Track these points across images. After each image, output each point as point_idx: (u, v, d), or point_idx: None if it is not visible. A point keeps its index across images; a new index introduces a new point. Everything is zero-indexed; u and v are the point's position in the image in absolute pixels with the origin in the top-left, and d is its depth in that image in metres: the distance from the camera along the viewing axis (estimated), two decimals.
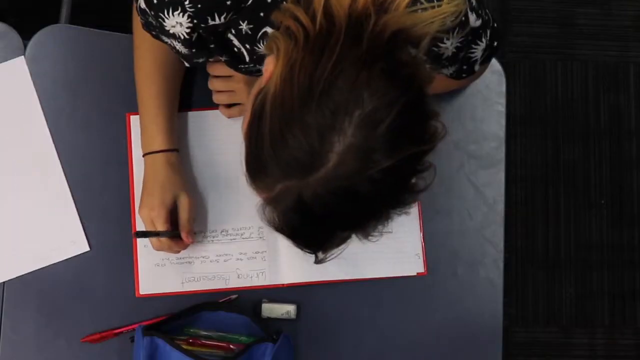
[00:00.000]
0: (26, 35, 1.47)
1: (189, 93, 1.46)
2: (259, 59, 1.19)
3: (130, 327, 1.42)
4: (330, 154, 0.89)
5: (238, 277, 1.45)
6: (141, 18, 1.20)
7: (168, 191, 1.36)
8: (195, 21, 1.13)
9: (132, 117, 1.45)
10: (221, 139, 1.46)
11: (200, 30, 1.16)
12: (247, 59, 1.22)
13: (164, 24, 1.14)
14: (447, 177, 1.50)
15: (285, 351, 1.39)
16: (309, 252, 1.00)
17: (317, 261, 1.02)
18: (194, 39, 1.18)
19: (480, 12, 1.18)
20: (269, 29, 1.12)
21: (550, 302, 2.34)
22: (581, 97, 2.39)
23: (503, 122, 1.52)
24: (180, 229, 1.37)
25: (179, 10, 1.11)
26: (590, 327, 2.34)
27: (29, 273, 1.43)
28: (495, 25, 1.24)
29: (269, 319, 1.44)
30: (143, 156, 1.38)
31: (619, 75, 2.40)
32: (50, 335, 1.42)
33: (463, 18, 1.13)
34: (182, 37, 1.17)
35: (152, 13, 1.15)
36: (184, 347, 1.36)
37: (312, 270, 1.44)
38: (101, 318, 1.43)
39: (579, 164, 2.37)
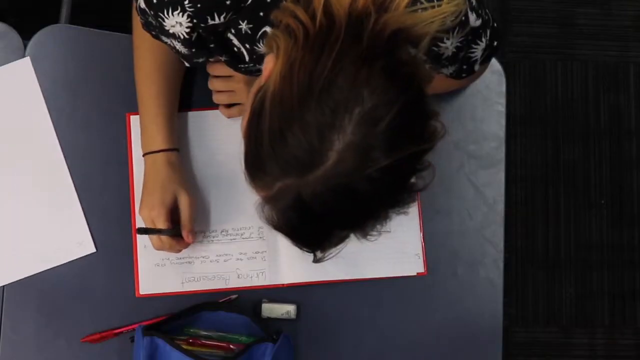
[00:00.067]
0: (26, 35, 1.47)
1: (189, 93, 1.46)
2: (259, 59, 1.19)
3: (130, 327, 1.42)
4: (330, 152, 0.89)
5: (238, 277, 1.45)
6: (141, 18, 1.20)
7: (168, 190, 1.36)
8: (194, 21, 1.13)
9: (132, 117, 1.45)
10: (221, 139, 1.46)
11: (200, 30, 1.16)
12: (247, 58, 1.22)
13: (164, 23, 1.14)
14: (447, 177, 1.50)
15: (285, 351, 1.39)
16: (307, 251, 1.00)
17: (316, 260, 1.02)
18: (193, 38, 1.18)
19: (480, 11, 1.18)
20: (268, 29, 1.12)
21: (550, 302, 2.34)
22: (581, 97, 2.39)
23: (503, 122, 1.52)
24: (181, 228, 1.37)
25: (179, 10, 1.11)
26: (590, 327, 2.34)
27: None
28: (495, 25, 1.25)
29: (269, 319, 1.44)
30: (143, 156, 1.38)
31: (619, 75, 2.40)
32: (50, 335, 1.42)
33: (463, 18, 1.13)
34: (182, 37, 1.17)
35: (152, 13, 1.15)
36: (184, 347, 1.36)
37: (312, 270, 1.44)
38: (101, 318, 1.43)
39: (579, 164, 2.37)
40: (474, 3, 1.16)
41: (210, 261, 1.45)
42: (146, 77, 1.37)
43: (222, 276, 1.45)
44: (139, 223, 1.42)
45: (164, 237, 1.36)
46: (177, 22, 1.13)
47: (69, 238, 1.43)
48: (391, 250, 1.47)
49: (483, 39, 1.22)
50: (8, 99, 1.45)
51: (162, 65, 1.36)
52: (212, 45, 1.21)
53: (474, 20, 1.17)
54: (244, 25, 1.15)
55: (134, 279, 1.44)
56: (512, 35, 2.38)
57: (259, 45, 1.17)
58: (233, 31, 1.17)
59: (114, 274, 1.44)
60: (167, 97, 1.38)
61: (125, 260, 1.44)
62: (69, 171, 1.44)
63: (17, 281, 1.43)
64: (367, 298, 1.47)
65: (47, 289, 1.43)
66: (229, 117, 1.45)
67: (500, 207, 1.51)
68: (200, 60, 1.28)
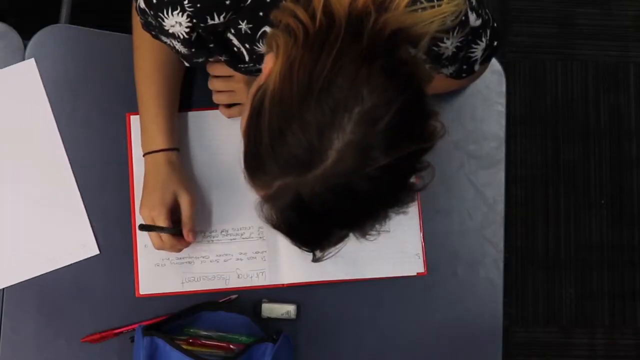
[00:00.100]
0: (26, 35, 1.47)
1: (189, 93, 1.46)
2: (259, 59, 1.19)
3: (130, 327, 1.42)
4: (329, 151, 0.89)
5: (238, 277, 1.45)
6: (141, 18, 1.20)
7: (168, 190, 1.36)
8: (194, 21, 1.13)
9: (132, 117, 1.45)
10: (221, 139, 1.46)
11: (200, 30, 1.16)
12: (247, 58, 1.22)
13: (163, 23, 1.14)
14: (447, 177, 1.50)
15: (285, 351, 1.39)
16: (306, 250, 1.00)
17: (315, 259, 1.02)
18: (193, 38, 1.18)
19: (480, 11, 1.18)
20: (268, 28, 1.12)
21: (550, 302, 2.34)
22: (581, 97, 2.39)
23: (503, 122, 1.52)
24: (182, 227, 1.37)
25: (178, 10, 1.11)
26: (590, 327, 2.34)
27: None
28: (495, 25, 1.25)
29: (269, 319, 1.44)
30: (144, 156, 1.38)
31: (619, 75, 2.40)
32: (50, 335, 1.42)
33: (463, 18, 1.13)
34: (182, 37, 1.17)
35: (152, 13, 1.15)
36: (184, 347, 1.36)
37: (312, 270, 1.44)
38: (101, 318, 1.43)
39: (579, 164, 2.37)
40: (474, 3, 1.16)
41: (210, 261, 1.45)
42: (146, 77, 1.37)
43: (222, 276, 1.45)
44: (140, 223, 1.42)
45: (164, 237, 1.36)
46: (176, 22, 1.13)
47: (72, 240, 1.43)
48: (391, 250, 1.47)
49: (483, 39, 1.22)
50: (13, 100, 1.45)
51: (162, 65, 1.36)
52: (211, 45, 1.21)
53: (474, 20, 1.17)
54: (243, 25, 1.15)
55: (134, 279, 1.44)
56: (512, 35, 2.38)
57: (259, 45, 1.17)
58: (233, 31, 1.17)
59: (114, 274, 1.44)
60: (167, 97, 1.38)
61: (125, 260, 1.44)
62: (73, 173, 1.44)
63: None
64: (367, 298, 1.47)
65: (47, 289, 1.43)
66: (229, 117, 1.44)
67: (500, 207, 1.51)
68: (200, 60, 1.28)
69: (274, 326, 1.42)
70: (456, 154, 1.50)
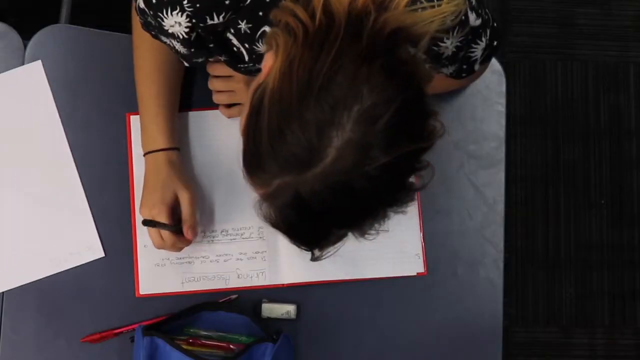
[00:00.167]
0: (26, 35, 1.47)
1: (189, 93, 1.46)
2: (258, 58, 1.19)
3: (130, 327, 1.42)
4: (329, 149, 0.89)
5: (238, 277, 1.45)
6: (140, 18, 1.20)
7: (169, 189, 1.36)
8: (193, 21, 1.13)
9: (132, 117, 1.45)
10: (221, 139, 1.46)
11: (199, 30, 1.16)
12: (247, 58, 1.22)
13: (163, 23, 1.14)
14: (447, 177, 1.50)
15: (285, 351, 1.39)
16: (305, 249, 1.00)
17: (314, 258, 1.02)
18: (192, 38, 1.18)
19: (480, 11, 1.18)
20: (267, 28, 1.12)
21: (550, 302, 2.34)
22: (581, 97, 2.39)
23: (503, 122, 1.52)
24: (182, 224, 1.37)
25: (178, 10, 1.11)
26: (590, 327, 2.34)
27: None
28: (495, 24, 1.25)
29: (269, 319, 1.44)
30: (144, 155, 1.38)
31: (619, 75, 2.40)
32: (50, 335, 1.42)
33: (463, 17, 1.13)
34: (181, 37, 1.17)
35: (151, 13, 1.15)
36: (184, 347, 1.36)
37: (312, 270, 1.44)
38: (101, 318, 1.43)
39: (579, 164, 2.37)
40: (474, 3, 1.17)
41: (210, 261, 1.45)
42: (146, 77, 1.37)
43: (222, 276, 1.45)
44: (140, 223, 1.42)
45: (165, 235, 1.35)
46: (176, 22, 1.13)
47: (78, 243, 1.43)
48: (391, 250, 1.47)
49: (483, 39, 1.22)
50: (19, 101, 1.45)
51: (162, 65, 1.36)
52: (211, 45, 1.21)
53: (473, 20, 1.17)
54: (243, 25, 1.15)
55: (134, 279, 1.44)
56: (512, 35, 2.38)
57: (258, 45, 1.17)
58: (232, 31, 1.17)
59: (114, 274, 1.44)
60: (168, 96, 1.38)
61: (125, 260, 1.44)
62: (79, 175, 1.44)
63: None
64: (367, 298, 1.47)
65: (47, 289, 1.43)
66: (229, 117, 1.44)
67: (500, 207, 1.51)
68: (200, 60, 1.28)
69: (274, 326, 1.42)
70: (456, 154, 1.50)
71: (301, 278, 1.45)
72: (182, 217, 1.37)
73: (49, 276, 1.43)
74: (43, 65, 1.45)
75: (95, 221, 1.44)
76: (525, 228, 2.35)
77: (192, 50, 1.21)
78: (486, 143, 1.51)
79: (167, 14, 1.13)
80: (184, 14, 1.12)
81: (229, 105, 1.44)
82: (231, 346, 1.40)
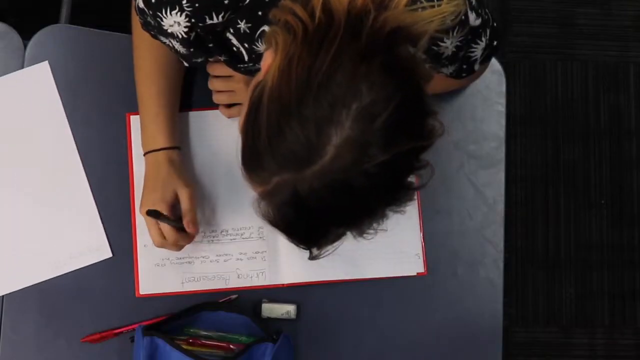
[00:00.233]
0: (26, 35, 1.47)
1: (189, 93, 1.46)
2: (258, 58, 1.19)
3: (130, 327, 1.42)
4: (328, 146, 0.89)
5: (238, 277, 1.45)
6: (140, 18, 1.20)
7: (169, 187, 1.36)
8: (193, 20, 1.13)
9: (132, 117, 1.45)
10: (221, 139, 1.46)
11: (199, 30, 1.16)
12: (246, 58, 1.22)
13: (162, 23, 1.15)
14: (447, 177, 1.50)
15: (285, 351, 1.39)
16: (303, 248, 1.00)
17: (312, 257, 1.02)
18: (192, 38, 1.18)
19: (480, 11, 1.18)
20: (267, 28, 1.12)
21: (550, 302, 2.34)
22: (581, 97, 2.39)
23: (503, 122, 1.52)
24: (182, 218, 1.36)
25: (177, 10, 1.11)
26: (590, 327, 2.34)
27: None
28: (495, 24, 1.25)
29: (269, 319, 1.44)
30: (144, 155, 1.38)
31: (619, 75, 2.40)
32: (50, 335, 1.42)
33: (463, 17, 1.13)
34: (180, 37, 1.17)
35: (150, 12, 1.15)
36: (184, 347, 1.36)
37: (312, 270, 1.44)
38: (101, 318, 1.43)
39: (579, 164, 2.37)
40: (474, 2, 1.17)
41: (210, 261, 1.45)
42: (146, 77, 1.37)
43: (222, 276, 1.45)
44: (139, 223, 1.42)
45: (167, 232, 1.35)
46: (175, 22, 1.13)
47: (86, 243, 1.43)
48: (391, 250, 1.47)
49: (483, 39, 1.22)
50: (26, 102, 1.45)
51: (162, 65, 1.36)
52: (210, 45, 1.21)
53: (473, 20, 1.17)
54: (242, 25, 1.15)
55: (134, 279, 1.44)
56: (512, 35, 2.38)
57: (258, 45, 1.17)
58: (232, 30, 1.17)
59: (114, 274, 1.44)
60: (168, 96, 1.38)
61: (125, 260, 1.44)
62: (87, 177, 1.44)
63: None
64: (367, 298, 1.47)
65: (47, 290, 1.43)
66: (229, 117, 1.45)
67: (500, 207, 1.51)
68: (199, 60, 1.28)
69: (274, 326, 1.42)
70: (456, 154, 1.50)
71: (301, 278, 1.45)
72: (182, 211, 1.36)
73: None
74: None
75: (102, 222, 1.44)
76: (525, 228, 2.35)
77: (192, 50, 1.21)
78: (486, 143, 1.51)
79: (166, 13, 1.13)
80: (183, 14, 1.12)
81: (229, 105, 1.44)
82: (231, 346, 1.40)
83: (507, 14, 2.39)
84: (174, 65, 1.37)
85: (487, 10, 1.22)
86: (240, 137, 0.96)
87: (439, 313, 1.48)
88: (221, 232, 1.45)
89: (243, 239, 1.46)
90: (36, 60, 1.46)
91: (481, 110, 1.52)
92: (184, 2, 1.10)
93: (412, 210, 1.47)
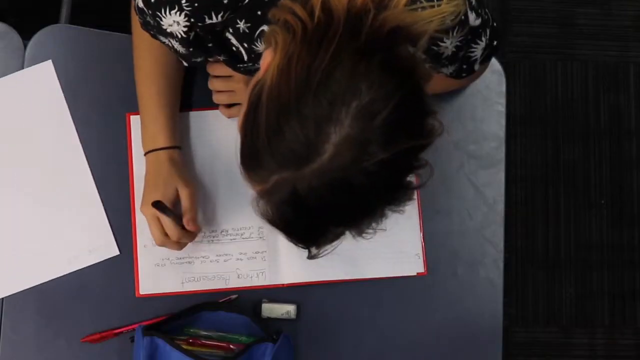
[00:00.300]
0: (26, 35, 1.47)
1: (189, 93, 1.46)
2: (257, 58, 1.19)
3: (130, 327, 1.42)
4: (326, 145, 0.89)
5: (238, 277, 1.45)
6: (139, 17, 1.20)
7: (170, 186, 1.36)
8: (192, 20, 1.13)
9: (132, 117, 1.45)
10: (222, 139, 1.46)
11: (198, 29, 1.16)
12: (246, 57, 1.22)
13: (161, 22, 1.15)
14: (447, 177, 1.50)
15: (285, 351, 1.39)
16: (302, 247, 1.00)
17: (310, 256, 1.02)
18: (191, 38, 1.18)
19: (479, 11, 1.18)
20: (266, 28, 1.12)
21: (550, 302, 2.34)
22: (581, 97, 2.39)
23: (503, 122, 1.52)
24: (183, 216, 1.36)
25: (176, 9, 1.11)
26: (590, 327, 2.34)
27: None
28: (495, 24, 1.25)
29: (269, 319, 1.44)
30: (145, 154, 1.38)
31: (619, 75, 2.40)
32: (50, 335, 1.42)
33: (462, 17, 1.13)
34: (180, 36, 1.17)
35: (150, 12, 1.15)
36: (184, 347, 1.36)
37: (312, 270, 1.44)
38: (101, 318, 1.43)
39: (579, 164, 2.37)
40: (474, 2, 1.17)
41: (210, 261, 1.45)
42: (146, 76, 1.37)
43: (222, 276, 1.45)
44: (139, 223, 1.42)
45: (170, 229, 1.34)
46: (174, 21, 1.13)
47: (92, 240, 1.43)
48: (391, 250, 1.47)
49: (483, 39, 1.22)
50: (30, 102, 1.45)
51: (162, 64, 1.36)
52: (210, 45, 1.21)
53: (473, 20, 1.17)
54: (241, 25, 1.15)
55: (134, 279, 1.44)
56: (512, 35, 2.38)
57: (257, 44, 1.17)
58: (231, 30, 1.17)
59: (114, 274, 1.44)
60: (168, 96, 1.38)
61: (125, 260, 1.44)
62: (92, 175, 1.44)
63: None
64: (367, 298, 1.47)
65: (47, 290, 1.43)
66: (229, 117, 1.45)
67: (500, 207, 1.51)
68: (199, 59, 1.28)
69: (274, 326, 1.42)
70: (456, 154, 1.50)
71: (301, 278, 1.45)
72: (183, 210, 1.36)
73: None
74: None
75: (108, 219, 1.44)
76: (525, 228, 2.35)
77: (191, 49, 1.21)
78: (486, 143, 1.51)
79: (165, 13, 1.13)
80: (182, 13, 1.12)
81: (229, 105, 1.44)
82: (231, 346, 1.40)
83: (507, 14, 2.39)
84: (173, 65, 1.37)
85: (487, 10, 1.22)
86: (239, 136, 0.96)
87: (439, 313, 1.48)
88: (221, 232, 1.46)
89: (243, 239, 1.46)
90: (36, 60, 1.46)
91: (481, 110, 1.52)
92: (183, 1, 1.10)
93: (412, 210, 1.47)
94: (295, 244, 0.99)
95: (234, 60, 1.24)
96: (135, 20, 1.31)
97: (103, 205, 1.44)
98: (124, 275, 1.44)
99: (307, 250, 1.01)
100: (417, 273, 1.48)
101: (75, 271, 1.43)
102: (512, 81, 2.35)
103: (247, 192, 0.98)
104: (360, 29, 0.91)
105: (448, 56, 1.21)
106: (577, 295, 2.34)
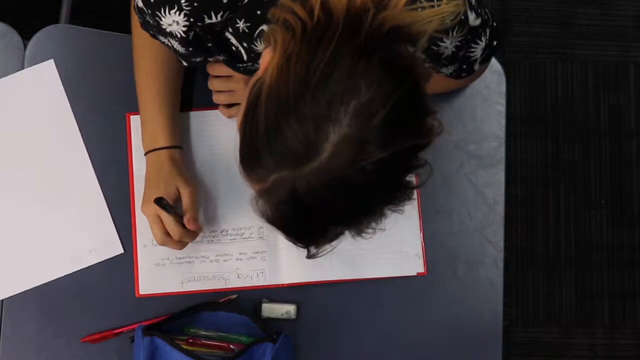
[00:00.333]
0: (26, 35, 1.47)
1: (189, 93, 1.46)
2: (257, 58, 1.20)
3: (130, 327, 1.42)
4: (325, 144, 0.89)
5: (238, 277, 1.45)
6: (139, 17, 1.20)
7: (171, 184, 1.36)
8: (191, 19, 1.13)
9: (132, 117, 1.45)
10: (222, 139, 1.46)
11: (197, 29, 1.16)
12: (245, 57, 1.22)
13: (161, 22, 1.15)
14: (447, 177, 1.50)
15: (285, 351, 1.39)
16: (301, 246, 1.00)
17: (309, 256, 1.02)
18: (190, 37, 1.18)
19: (479, 11, 1.18)
20: (266, 27, 1.12)
21: (550, 302, 2.34)
22: (581, 97, 2.39)
23: (503, 122, 1.52)
24: (183, 215, 1.36)
25: (175, 9, 1.11)
26: (590, 327, 2.34)
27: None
28: (495, 24, 1.25)
29: (269, 319, 1.44)
30: (145, 154, 1.38)
31: (619, 75, 2.40)
32: (50, 335, 1.42)
33: (462, 17, 1.13)
34: (179, 36, 1.17)
35: (149, 12, 1.15)
36: (184, 347, 1.36)
37: (312, 270, 1.44)
38: (101, 318, 1.43)
39: (579, 164, 2.37)
40: (474, 2, 1.17)
41: (210, 261, 1.45)
42: (146, 76, 1.37)
43: (222, 276, 1.45)
44: (139, 223, 1.42)
45: (172, 227, 1.34)
46: (174, 21, 1.13)
47: (96, 239, 1.43)
48: (391, 250, 1.47)
49: (482, 39, 1.22)
50: (33, 101, 1.45)
51: (161, 64, 1.36)
52: (209, 45, 1.21)
53: (473, 20, 1.17)
54: (241, 24, 1.15)
55: (134, 279, 1.44)
56: (512, 35, 2.38)
57: (257, 44, 1.17)
58: (231, 30, 1.17)
59: (114, 274, 1.44)
60: (168, 96, 1.38)
61: (125, 260, 1.44)
62: (95, 174, 1.44)
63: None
64: (367, 298, 1.47)
65: (47, 289, 1.43)
66: (229, 117, 1.45)
67: (500, 207, 1.51)
68: (198, 59, 1.28)
69: (274, 326, 1.42)
70: (456, 154, 1.50)
71: (301, 278, 1.45)
72: (184, 209, 1.36)
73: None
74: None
75: (112, 217, 1.44)
76: (525, 228, 2.35)
77: (190, 49, 1.21)
78: (486, 143, 1.51)
79: (165, 12, 1.13)
80: (182, 13, 1.12)
81: (229, 105, 1.44)
82: (231, 346, 1.40)
83: (507, 14, 2.39)
84: (173, 65, 1.37)
85: (486, 10, 1.22)
86: (239, 135, 0.96)
87: (439, 313, 1.48)
88: (221, 232, 1.46)
89: (243, 239, 1.46)
90: (36, 60, 1.46)
91: (481, 110, 1.52)
92: (183, 1, 1.10)
93: (412, 210, 1.47)
94: (294, 243, 0.99)
95: (233, 60, 1.24)
96: (135, 20, 1.31)
97: (107, 204, 1.44)
98: (124, 275, 1.44)
99: (306, 249, 1.01)
100: (417, 273, 1.48)
101: (75, 271, 1.43)
102: (512, 81, 2.35)
103: (247, 192, 0.98)
104: (360, 28, 0.91)
105: (448, 56, 1.21)
106: (577, 295, 2.34)
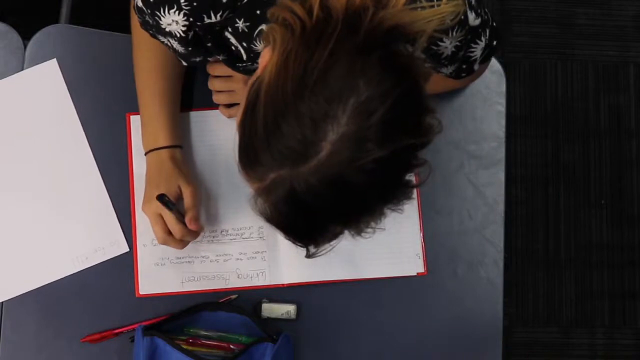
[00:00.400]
0: (26, 35, 1.47)
1: (189, 93, 1.46)
2: (257, 57, 1.20)
3: (130, 327, 1.42)
4: (324, 142, 0.89)
5: (238, 277, 1.45)
6: (138, 17, 1.20)
7: (172, 183, 1.36)
8: (191, 19, 1.13)
9: (132, 117, 1.45)
10: (222, 139, 1.46)
11: (197, 29, 1.16)
12: (245, 57, 1.22)
13: (160, 22, 1.15)
14: (447, 177, 1.50)
15: (285, 351, 1.39)
16: (300, 246, 1.00)
17: (309, 255, 1.02)
18: (190, 37, 1.18)
19: (479, 11, 1.18)
20: (265, 27, 1.12)
21: (550, 302, 2.34)
22: (581, 97, 2.39)
23: (503, 122, 1.52)
24: (185, 215, 1.36)
25: (175, 9, 1.11)
26: (590, 327, 2.34)
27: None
28: (495, 24, 1.25)
29: (269, 319, 1.44)
30: (146, 154, 1.38)
31: (619, 75, 2.40)
32: (50, 335, 1.42)
33: (462, 17, 1.13)
34: (179, 36, 1.17)
35: (149, 11, 1.15)
36: (184, 347, 1.36)
37: (312, 270, 1.44)
38: (101, 318, 1.43)
39: (579, 164, 2.37)
40: (473, 2, 1.17)
41: (210, 261, 1.45)
42: (146, 76, 1.37)
43: (222, 276, 1.45)
44: (139, 223, 1.42)
45: (174, 225, 1.34)
46: (173, 21, 1.13)
47: (102, 238, 1.43)
48: (391, 250, 1.47)
49: (482, 39, 1.22)
50: (36, 100, 1.45)
51: (161, 64, 1.36)
52: (209, 44, 1.21)
53: (473, 20, 1.17)
54: (241, 24, 1.15)
55: (134, 278, 1.44)
56: (512, 35, 2.38)
57: (256, 44, 1.17)
58: (230, 30, 1.17)
59: (114, 274, 1.44)
60: (168, 95, 1.38)
61: (125, 260, 1.44)
62: (100, 173, 1.44)
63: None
64: (367, 298, 1.47)
65: (47, 289, 1.43)
66: (229, 117, 1.45)
67: (500, 207, 1.51)
68: (198, 59, 1.28)
69: (274, 326, 1.42)
70: (456, 154, 1.50)
71: (301, 278, 1.45)
72: (185, 208, 1.36)
73: None
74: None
75: (117, 216, 1.44)
76: (525, 228, 2.35)
77: (190, 49, 1.21)
78: (486, 143, 1.51)
79: (164, 12, 1.13)
80: (181, 13, 1.12)
81: (229, 105, 1.44)
82: (231, 346, 1.40)
83: (507, 14, 2.39)
84: (173, 64, 1.37)
85: (486, 10, 1.22)
86: (238, 134, 0.96)
87: (439, 313, 1.48)
88: (221, 232, 1.46)
89: (243, 239, 1.46)
90: (36, 60, 1.46)
91: (481, 110, 1.52)
92: (182, 1, 1.10)
93: (412, 210, 1.47)
94: (294, 243, 0.99)
95: (233, 59, 1.24)
96: (135, 20, 1.31)
97: (112, 202, 1.44)
98: (124, 275, 1.44)
99: (305, 249, 1.01)
100: (417, 273, 1.48)
101: (75, 271, 1.43)
102: (512, 81, 2.35)
103: (247, 191, 0.98)
104: (359, 27, 0.91)
105: (447, 56, 1.21)
106: (577, 295, 2.34)
